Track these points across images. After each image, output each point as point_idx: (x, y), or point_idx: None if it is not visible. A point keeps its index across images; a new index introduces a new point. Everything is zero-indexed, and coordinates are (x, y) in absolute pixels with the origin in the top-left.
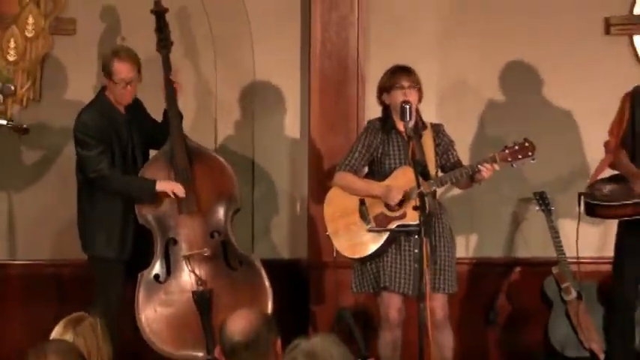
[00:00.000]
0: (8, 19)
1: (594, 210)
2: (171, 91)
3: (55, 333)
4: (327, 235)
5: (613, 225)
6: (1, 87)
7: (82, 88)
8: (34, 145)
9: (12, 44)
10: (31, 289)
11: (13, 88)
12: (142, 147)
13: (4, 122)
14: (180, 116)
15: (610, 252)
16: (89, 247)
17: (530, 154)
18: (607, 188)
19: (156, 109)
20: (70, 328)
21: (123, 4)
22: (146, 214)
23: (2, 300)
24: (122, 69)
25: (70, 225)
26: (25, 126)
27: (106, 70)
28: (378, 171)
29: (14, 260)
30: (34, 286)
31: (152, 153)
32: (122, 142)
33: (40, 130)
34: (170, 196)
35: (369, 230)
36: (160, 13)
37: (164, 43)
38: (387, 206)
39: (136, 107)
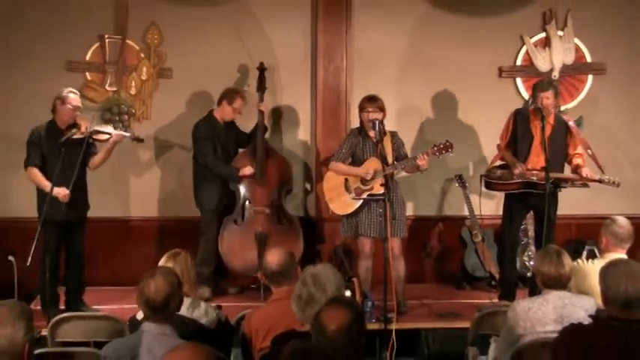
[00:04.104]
0: (130, 68)
1: (491, 186)
2: (261, 114)
3: (161, 262)
4: (326, 202)
5: (502, 195)
6: (127, 110)
7: (175, 112)
8: (146, 146)
9: (133, 84)
10: (145, 235)
11: (133, 111)
12: (234, 146)
13: (128, 134)
14: (265, 129)
15: (501, 212)
16: (199, 203)
17: (450, 150)
18: (499, 172)
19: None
20: (171, 259)
21: (203, 58)
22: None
23: (126, 243)
24: (238, 105)
25: (169, 195)
26: (141, 137)
27: (228, 99)
28: (356, 161)
29: (133, 216)
30: (147, 233)
31: None
32: (221, 142)
33: (150, 136)
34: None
35: (353, 199)
36: (262, 70)
37: (262, 86)
38: (362, 182)
39: (232, 124)
